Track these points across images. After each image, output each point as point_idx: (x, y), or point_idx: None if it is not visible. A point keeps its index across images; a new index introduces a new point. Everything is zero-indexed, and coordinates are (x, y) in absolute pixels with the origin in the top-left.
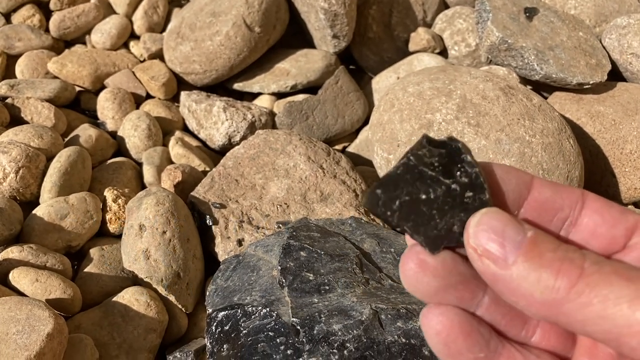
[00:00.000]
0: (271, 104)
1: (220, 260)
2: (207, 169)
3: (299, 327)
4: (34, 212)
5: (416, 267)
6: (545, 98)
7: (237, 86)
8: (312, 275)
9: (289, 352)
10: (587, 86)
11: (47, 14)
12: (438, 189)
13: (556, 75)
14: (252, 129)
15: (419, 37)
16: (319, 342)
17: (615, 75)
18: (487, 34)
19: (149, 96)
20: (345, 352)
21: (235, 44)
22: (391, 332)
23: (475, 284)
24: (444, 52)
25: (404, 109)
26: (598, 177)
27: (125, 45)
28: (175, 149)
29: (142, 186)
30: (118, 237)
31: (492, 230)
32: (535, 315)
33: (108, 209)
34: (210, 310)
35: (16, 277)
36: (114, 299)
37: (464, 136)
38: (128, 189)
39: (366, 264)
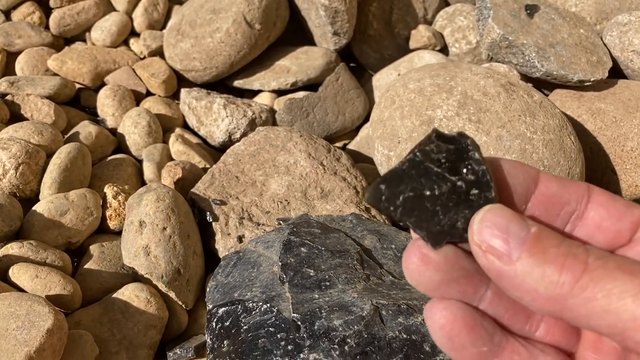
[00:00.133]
0: (271, 101)
1: (221, 256)
2: (208, 166)
3: (299, 323)
4: (33, 208)
5: (419, 261)
6: (546, 95)
7: (237, 83)
8: (312, 271)
9: (289, 347)
10: (588, 83)
11: (47, 11)
12: (443, 186)
13: (557, 72)
14: (252, 126)
15: (420, 35)
16: (320, 337)
17: (616, 73)
18: (487, 31)
19: (149, 93)
20: (346, 347)
21: (236, 41)
22: (392, 327)
23: (478, 278)
24: (444, 50)
25: (405, 105)
26: (599, 174)
27: (126, 43)
28: (175, 146)
29: (142, 183)
30: (118, 233)
31: (496, 227)
32: (540, 310)
33: (108, 205)
34: (211, 306)
35: (16, 273)
36: (114, 295)
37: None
38: (128, 185)
39: (367, 260)
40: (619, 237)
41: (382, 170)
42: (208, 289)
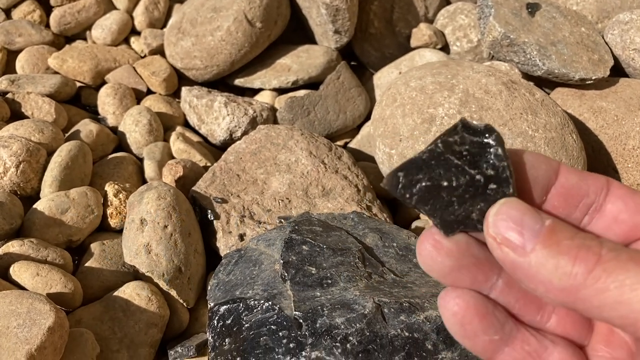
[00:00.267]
0: (272, 100)
1: (222, 254)
2: (208, 164)
3: (301, 321)
4: (34, 206)
5: (431, 247)
6: (548, 94)
7: (238, 82)
8: (314, 269)
9: (291, 345)
10: (589, 82)
11: (47, 9)
12: (461, 178)
13: (558, 70)
14: (253, 124)
15: (421, 33)
16: (322, 335)
17: (618, 71)
18: (489, 29)
19: (149, 92)
20: (348, 345)
21: (237, 40)
22: (394, 325)
23: (489, 267)
24: (445, 48)
25: (406, 103)
26: (600, 172)
27: (126, 41)
28: (176, 144)
29: (143, 181)
30: (119, 231)
31: (511, 219)
32: (554, 301)
33: (109, 203)
34: (212, 304)
35: (17, 271)
36: (115, 293)
37: None
38: (129, 183)
39: (368, 258)
40: (636, 230)
41: (384, 168)
42: (209, 287)
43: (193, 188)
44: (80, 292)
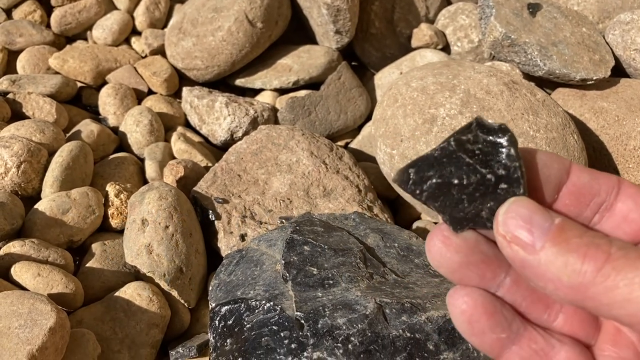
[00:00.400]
0: (273, 100)
1: (223, 255)
2: (210, 164)
3: (303, 321)
4: (35, 206)
5: (440, 243)
6: (549, 94)
7: (239, 82)
8: (315, 269)
9: (293, 346)
10: (590, 82)
11: (48, 9)
12: (472, 177)
13: (559, 71)
14: (254, 124)
15: (422, 33)
16: (324, 336)
17: (619, 71)
18: (490, 29)
19: (150, 92)
20: (349, 346)
21: (237, 40)
22: (396, 326)
23: (497, 264)
24: (446, 48)
25: (408, 103)
26: None
27: (127, 41)
28: (177, 145)
29: (144, 181)
30: (120, 232)
31: (521, 218)
32: (563, 299)
33: (110, 203)
34: (214, 305)
35: (18, 271)
36: (116, 294)
37: None
38: (130, 184)
39: (370, 258)
40: None
41: (385, 168)
42: (211, 288)
43: (194, 188)
44: (82, 293)
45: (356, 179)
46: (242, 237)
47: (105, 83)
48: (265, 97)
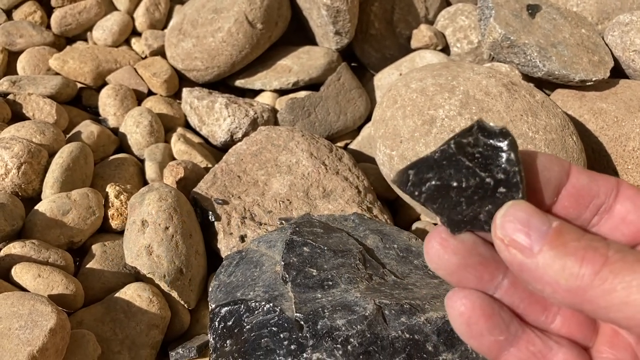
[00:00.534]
0: (273, 101)
1: (223, 256)
2: (209, 165)
3: (302, 322)
4: (36, 207)
5: (438, 245)
6: (548, 95)
7: (239, 83)
8: (315, 270)
9: (292, 347)
10: (589, 83)
11: (48, 10)
12: (471, 180)
13: (559, 72)
14: (254, 125)
15: (421, 34)
16: (323, 337)
17: (618, 72)
18: (489, 30)
19: (150, 93)
20: (349, 347)
21: (237, 41)
22: (395, 327)
23: (495, 266)
24: (446, 49)
25: (407, 105)
26: None
27: (127, 42)
28: (177, 146)
29: (144, 182)
30: (120, 233)
31: (519, 221)
32: (561, 302)
33: (110, 205)
34: (214, 306)
35: (18, 272)
36: (117, 294)
37: None
38: (130, 185)
39: (369, 259)
40: None
41: (384, 169)
42: (210, 289)
43: (194, 189)
44: (82, 294)
45: (356, 180)
46: (242, 238)
47: (105, 84)
48: (265, 98)
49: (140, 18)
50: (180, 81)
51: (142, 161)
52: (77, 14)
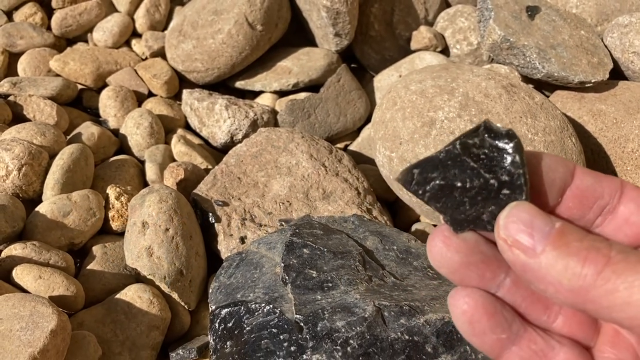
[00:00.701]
0: (273, 102)
1: (223, 257)
2: (210, 166)
3: (302, 324)
4: (36, 209)
5: (441, 243)
6: (547, 97)
7: (239, 84)
8: (315, 272)
9: (292, 348)
10: (588, 85)
11: (49, 12)
12: (475, 181)
13: (558, 73)
14: (254, 127)
15: (421, 36)
16: (323, 338)
17: (617, 74)
18: (489, 32)
19: (151, 94)
20: (348, 348)
21: (237, 42)
22: (394, 329)
23: (497, 265)
24: (445, 51)
25: (407, 106)
26: None
27: (127, 44)
28: (177, 147)
29: (145, 184)
30: (121, 234)
31: (522, 222)
32: (564, 302)
33: (111, 206)
34: (214, 307)
35: (19, 274)
36: (117, 296)
37: None
38: (130, 186)
39: (369, 261)
40: None
41: (384, 171)
42: (211, 290)
43: (194, 191)
44: (82, 295)
45: (355, 181)
46: (242, 240)
47: (105, 85)
48: (265, 100)
49: (141, 19)
50: (180, 82)
51: (142, 162)
52: (77, 16)
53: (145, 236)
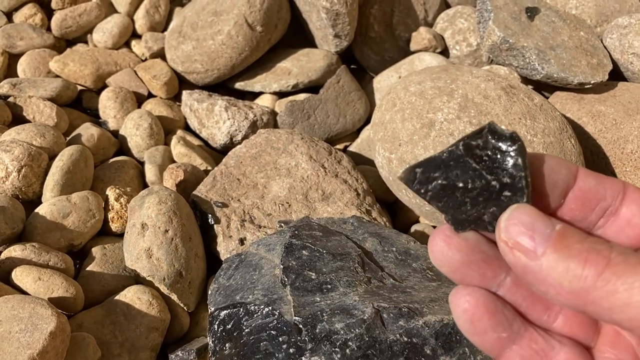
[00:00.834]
0: (273, 103)
1: (222, 259)
2: (209, 168)
3: (301, 326)
4: (36, 210)
5: (442, 242)
6: (547, 98)
7: (238, 85)
8: (314, 274)
9: (291, 350)
10: (588, 86)
11: (48, 13)
12: (477, 182)
13: (557, 75)
14: (253, 128)
15: (421, 37)
16: (322, 340)
17: (616, 75)
18: (488, 33)
19: (150, 95)
20: (347, 350)
21: (237, 43)
22: (393, 331)
23: (497, 264)
24: (445, 52)
25: (406, 108)
26: None
27: (127, 44)
28: (177, 148)
29: (144, 185)
30: (120, 235)
31: (523, 224)
32: (564, 304)
33: (110, 207)
34: (213, 309)
35: (19, 275)
36: (116, 297)
37: None
38: (130, 187)
39: (368, 263)
40: None
41: (383, 172)
42: (210, 292)
43: (194, 192)
44: (82, 297)
45: (355, 182)
46: (241, 241)
47: (105, 86)
48: (265, 101)
49: (140, 20)
50: (180, 84)
51: (142, 164)
52: (77, 17)
53: (145, 237)
